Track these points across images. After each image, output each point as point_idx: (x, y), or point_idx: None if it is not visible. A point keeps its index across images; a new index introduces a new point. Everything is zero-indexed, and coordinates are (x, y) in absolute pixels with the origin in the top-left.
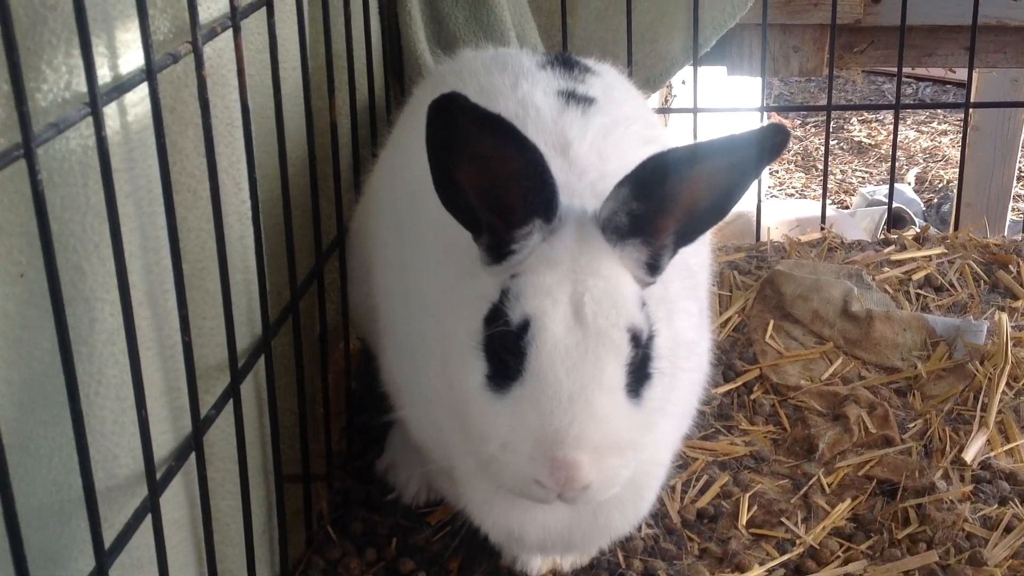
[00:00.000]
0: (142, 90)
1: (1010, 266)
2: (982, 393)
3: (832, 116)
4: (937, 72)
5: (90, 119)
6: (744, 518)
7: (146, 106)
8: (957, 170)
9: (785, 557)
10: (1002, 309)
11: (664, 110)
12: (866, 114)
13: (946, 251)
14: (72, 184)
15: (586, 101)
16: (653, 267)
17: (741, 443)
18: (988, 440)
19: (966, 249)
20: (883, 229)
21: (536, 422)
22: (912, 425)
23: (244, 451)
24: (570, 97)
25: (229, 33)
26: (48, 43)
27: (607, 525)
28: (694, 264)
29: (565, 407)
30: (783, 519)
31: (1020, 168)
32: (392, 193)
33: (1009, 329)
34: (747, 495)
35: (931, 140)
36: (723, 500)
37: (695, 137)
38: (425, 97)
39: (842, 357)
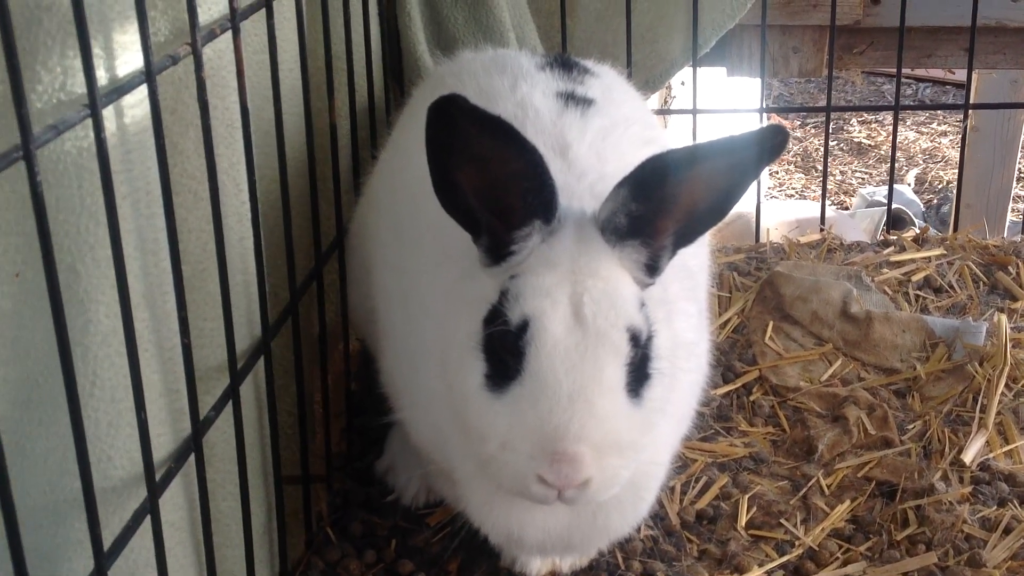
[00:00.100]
0: (140, 92)
1: (1009, 267)
2: (981, 394)
3: (832, 117)
4: (937, 73)
5: (87, 121)
6: (743, 519)
7: (145, 108)
8: (957, 171)
9: (784, 558)
10: (1001, 310)
11: (663, 111)
12: (866, 115)
13: (945, 252)
14: (67, 186)
15: (585, 102)
16: (652, 268)
17: (740, 444)
18: (987, 441)
19: (965, 250)
20: (882, 230)
21: (535, 421)
22: (911, 426)
23: (243, 452)
24: (569, 98)
25: (228, 35)
26: (43, 44)
27: (606, 526)
28: (693, 265)
29: (565, 406)
30: (782, 520)
31: (1020, 169)
32: (391, 194)
33: (1008, 330)
34: (746, 496)
35: (931, 141)
36: (722, 501)
37: (694, 138)
38: (424, 99)
39: (841, 358)
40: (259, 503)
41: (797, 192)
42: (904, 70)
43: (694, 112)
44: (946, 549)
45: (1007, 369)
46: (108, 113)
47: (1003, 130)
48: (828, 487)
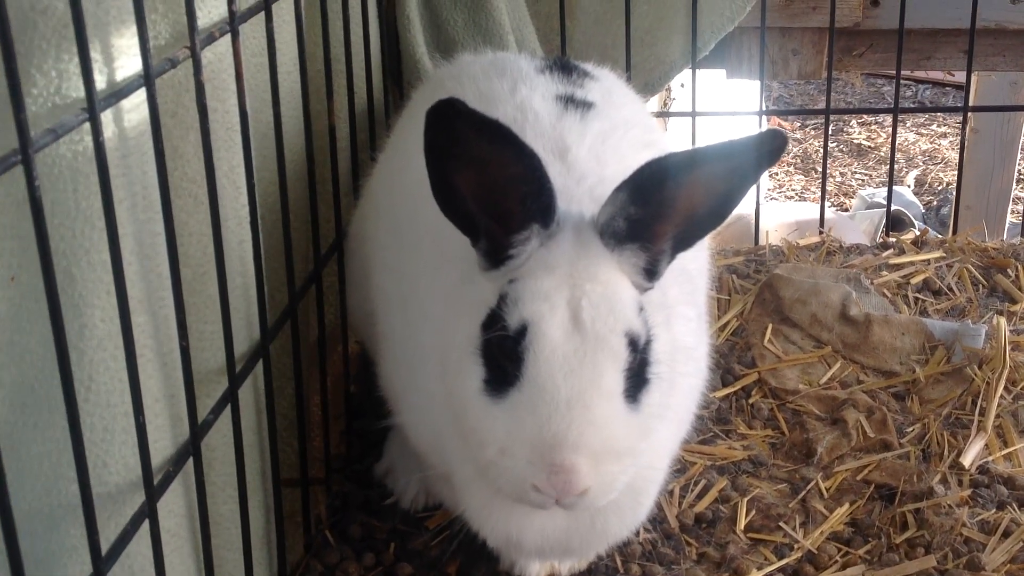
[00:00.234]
0: (139, 95)
1: (1008, 270)
2: (980, 397)
3: (831, 119)
4: (936, 75)
5: (82, 124)
6: (742, 523)
7: (143, 111)
8: (956, 173)
9: (783, 562)
10: (1000, 313)
11: (663, 114)
12: (865, 116)
13: (944, 255)
14: (62, 190)
15: (584, 106)
16: (651, 272)
17: (739, 447)
18: (986, 444)
19: (964, 253)
20: (882, 232)
21: (534, 427)
22: (910, 429)
23: (242, 455)
24: (568, 102)
25: (227, 38)
26: (38, 48)
27: (605, 530)
28: (692, 269)
29: (563, 412)
30: (781, 524)
31: (1019, 170)
32: (390, 197)
33: (1007, 333)
34: (745, 499)
35: (930, 142)
36: (721, 505)
37: (694, 141)
38: (424, 101)
39: (840, 361)
40: (258, 506)
41: (797, 194)
42: (904, 72)
43: (693, 115)
44: (945, 552)
45: (1006, 372)
46: (106, 117)
47: (1003, 132)
48: (827, 490)
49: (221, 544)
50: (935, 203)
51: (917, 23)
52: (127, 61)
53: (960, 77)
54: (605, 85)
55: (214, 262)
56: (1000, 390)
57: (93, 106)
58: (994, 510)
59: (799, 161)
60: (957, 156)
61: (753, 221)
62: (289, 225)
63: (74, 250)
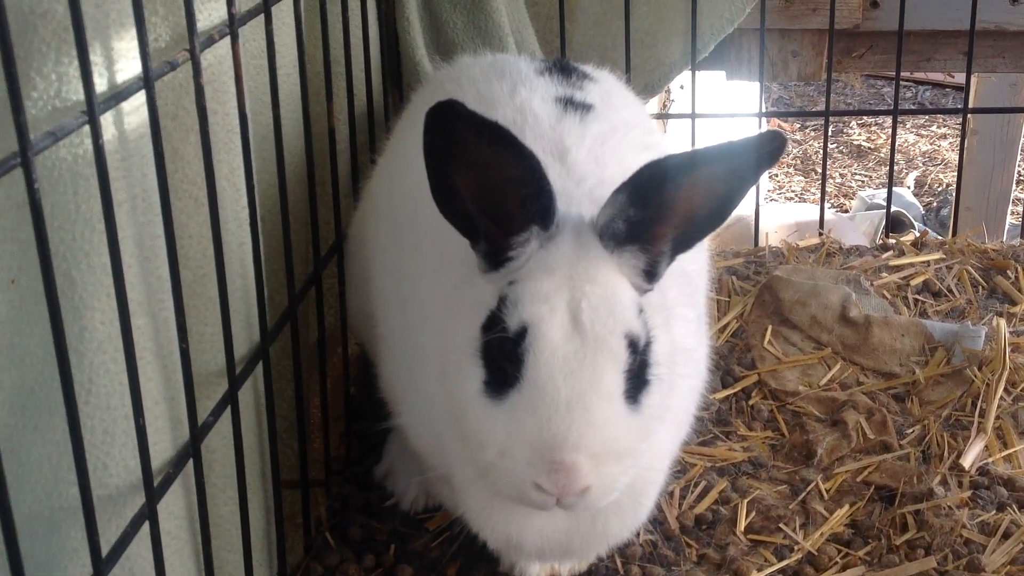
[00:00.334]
0: (139, 98)
1: (1008, 271)
2: (980, 399)
3: (831, 120)
4: (936, 76)
5: (82, 127)
6: (742, 524)
7: (143, 114)
8: (956, 174)
9: (783, 563)
10: (1000, 314)
11: (662, 115)
12: (865, 118)
13: (944, 256)
14: (62, 192)
15: (584, 108)
16: (651, 274)
17: (739, 449)
18: (986, 446)
19: (964, 254)
20: (882, 233)
21: (534, 428)
22: (910, 431)
23: (242, 457)
24: (568, 104)
25: (227, 40)
26: (38, 51)
27: (605, 531)
28: (692, 271)
29: (563, 414)
30: (781, 525)
31: (1019, 171)
32: (390, 199)
33: (1007, 335)
34: (745, 501)
35: (930, 144)
36: (721, 506)
37: (693, 143)
38: (423, 103)
39: (840, 363)
40: (258, 508)
41: (797, 195)
42: (903, 73)
43: (693, 116)
44: (945, 554)
45: (1006, 373)
46: (106, 120)
47: (1002, 133)
48: (827, 491)
49: (221, 546)
50: (935, 204)
51: (917, 24)
52: (127, 64)
53: (960, 78)
54: (604, 87)
55: (214, 264)
56: (1000, 392)
57: (92, 109)
58: (994, 511)
59: (799, 162)
60: (957, 157)
61: (753, 222)
62: (289, 227)
63: (74, 253)
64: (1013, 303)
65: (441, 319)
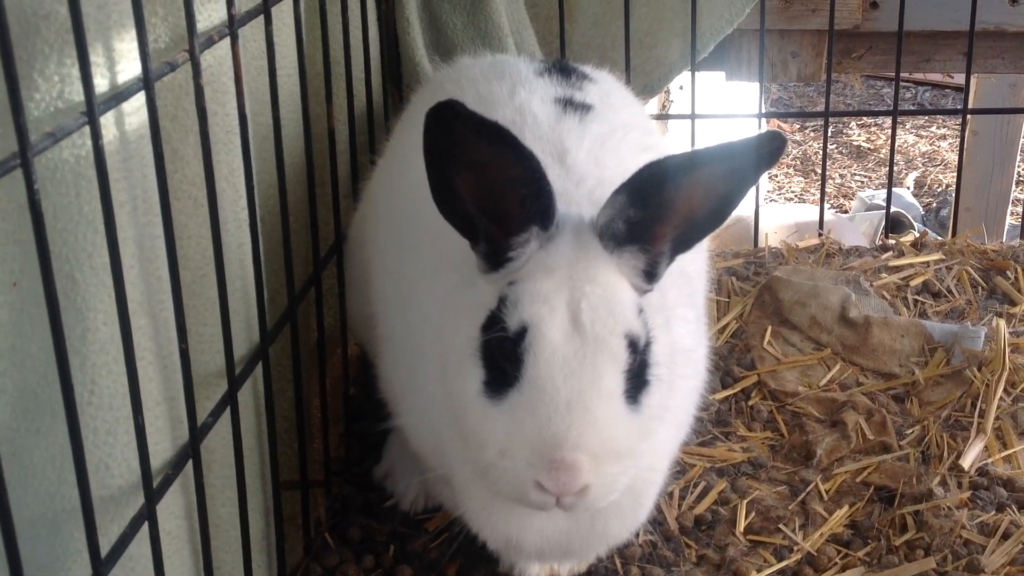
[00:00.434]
0: (139, 99)
1: (1008, 272)
2: (980, 399)
3: (831, 121)
4: (936, 76)
5: (85, 128)
6: (742, 525)
7: (143, 115)
8: (956, 174)
9: (783, 564)
10: (1000, 315)
11: (662, 116)
12: (865, 118)
13: (944, 257)
14: (64, 194)
15: (583, 108)
16: (650, 274)
17: (739, 449)
18: (986, 447)
19: (964, 255)
20: (882, 234)
21: (533, 428)
22: (910, 431)
23: (241, 458)
24: (567, 104)
25: (227, 41)
26: (40, 52)
27: (605, 532)
28: (691, 271)
29: (563, 414)
30: (781, 526)
31: (1019, 172)
32: (390, 200)
33: (1007, 335)
34: (745, 502)
35: (930, 144)
36: (721, 507)
37: (693, 143)
38: (423, 104)
39: (840, 363)
40: (257, 508)
41: (796, 196)
42: (903, 74)
43: (692, 117)
44: (944, 554)
45: (1005, 374)
46: (106, 120)
47: (1002, 133)
48: (827, 492)
49: (220, 546)
50: (934, 205)
51: (916, 25)
52: (127, 65)
53: (959, 79)
54: (604, 88)
55: (213, 265)
56: (999, 392)
57: (92, 110)
58: (993, 512)
59: (798, 163)
60: (956, 158)
61: (752, 223)
62: (288, 228)
63: (76, 254)
64: (1013, 304)
65: (441, 319)
